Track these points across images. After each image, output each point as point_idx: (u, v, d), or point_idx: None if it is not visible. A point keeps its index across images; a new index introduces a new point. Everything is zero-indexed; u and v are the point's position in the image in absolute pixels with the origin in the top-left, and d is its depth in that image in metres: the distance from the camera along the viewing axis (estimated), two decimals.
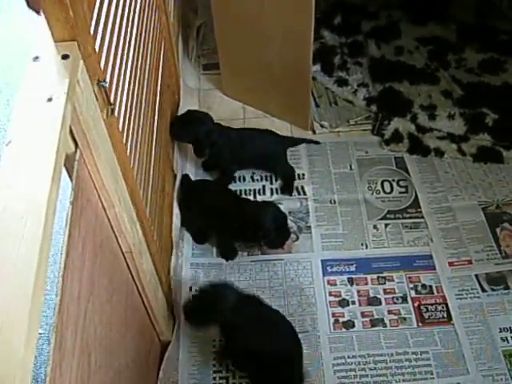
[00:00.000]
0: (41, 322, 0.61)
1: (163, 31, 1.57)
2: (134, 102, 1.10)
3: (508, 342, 1.47)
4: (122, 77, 0.99)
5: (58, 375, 0.61)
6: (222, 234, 1.57)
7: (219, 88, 1.99)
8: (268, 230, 1.48)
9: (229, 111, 1.93)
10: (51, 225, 0.62)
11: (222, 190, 1.66)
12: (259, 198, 1.70)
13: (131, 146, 1.04)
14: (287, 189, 1.74)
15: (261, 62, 1.77)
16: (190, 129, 1.63)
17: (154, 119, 1.37)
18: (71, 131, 0.74)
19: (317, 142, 1.84)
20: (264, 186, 1.74)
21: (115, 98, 0.93)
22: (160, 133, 1.41)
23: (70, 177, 0.77)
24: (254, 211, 1.50)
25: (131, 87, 1.05)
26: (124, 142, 0.98)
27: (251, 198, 1.71)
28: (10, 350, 0.48)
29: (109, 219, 0.91)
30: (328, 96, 2.02)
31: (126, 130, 1.00)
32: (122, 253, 1.01)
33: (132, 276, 1.08)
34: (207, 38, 2.13)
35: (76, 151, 0.78)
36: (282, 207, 1.64)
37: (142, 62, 1.20)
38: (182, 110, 1.79)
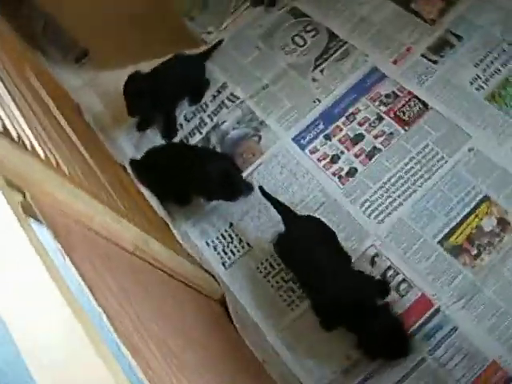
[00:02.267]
0: None
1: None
2: (38, 127, 1.05)
3: (483, 88, 1.51)
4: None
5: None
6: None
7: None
8: (218, 186, 1.42)
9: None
10: (57, 270, 0.61)
11: (169, 151, 1.62)
12: (204, 131, 1.67)
13: (64, 163, 1.00)
14: (196, 99, 1.71)
15: None
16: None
17: (67, 132, 1.32)
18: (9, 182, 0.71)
19: (219, 43, 1.79)
20: (201, 117, 1.70)
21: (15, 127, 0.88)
22: (81, 135, 1.36)
23: (39, 220, 0.75)
24: (200, 167, 1.44)
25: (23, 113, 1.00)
26: (56, 164, 0.94)
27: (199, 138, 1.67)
28: None
29: (96, 232, 0.89)
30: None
31: (50, 155, 0.96)
32: (134, 254, 0.99)
33: (155, 266, 1.08)
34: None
35: (25, 196, 0.75)
36: (228, 124, 1.63)
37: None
38: (86, 111, 1.73)
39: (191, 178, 1.44)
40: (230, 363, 1.05)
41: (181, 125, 1.69)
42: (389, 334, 1.23)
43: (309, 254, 1.30)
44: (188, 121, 1.69)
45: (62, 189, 0.87)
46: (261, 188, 1.45)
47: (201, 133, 1.66)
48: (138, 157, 1.61)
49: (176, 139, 1.67)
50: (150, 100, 1.59)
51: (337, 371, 1.29)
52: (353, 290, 1.26)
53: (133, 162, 1.61)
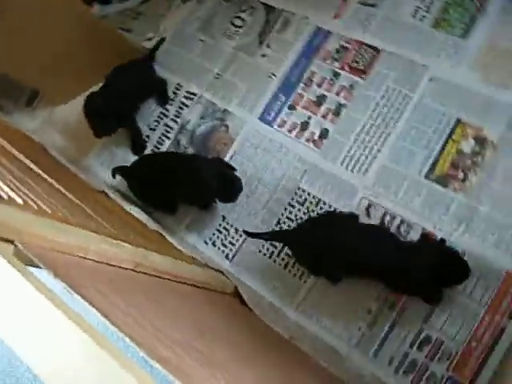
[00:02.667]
0: None
1: None
2: (8, 176, 1.05)
3: (426, 17, 1.53)
4: None
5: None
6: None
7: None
8: (213, 188, 1.41)
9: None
10: (67, 307, 0.62)
11: (152, 160, 1.59)
12: (172, 135, 1.67)
13: (44, 203, 1.00)
14: (163, 99, 1.71)
15: None
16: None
17: (39, 174, 1.32)
18: None
19: (161, 41, 1.78)
20: (165, 123, 1.70)
21: None
22: (54, 173, 1.36)
23: (37, 266, 0.75)
24: (192, 173, 1.41)
25: None
26: (36, 206, 0.94)
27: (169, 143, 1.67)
28: None
29: (95, 260, 0.89)
30: None
31: (28, 199, 0.96)
32: (135, 271, 1.00)
33: (159, 276, 1.08)
34: None
35: (16, 245, 0.75)
36: (193, 122, 1.63)
37: None
38: (51, 148, 1.72)
39: (184, 187, 1.43)
40: (259, 350, 1.06)
41: (148, 136, 1.69)
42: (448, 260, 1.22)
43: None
44: (153, 130, 1.69)
45: (50, 228, 0.87)
46: (245, 232, 1.43)
47: (169, 138, 1.66)
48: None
49: (146, 152, 1.67)
50: (111, 115, 1.58)
51: (362, 326, 1.31)
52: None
53: (121, 169, 1.59)
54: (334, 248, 1.27)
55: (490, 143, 1.35)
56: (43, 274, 0.74)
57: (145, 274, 1.04)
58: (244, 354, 0.93)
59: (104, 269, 0.91)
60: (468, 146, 1.36)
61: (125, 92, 1.62)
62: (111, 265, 0.94)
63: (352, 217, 1.36)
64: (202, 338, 0.91)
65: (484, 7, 1.48)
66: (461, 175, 1.34)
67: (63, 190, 1.25)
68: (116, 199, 1.56)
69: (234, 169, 1.48)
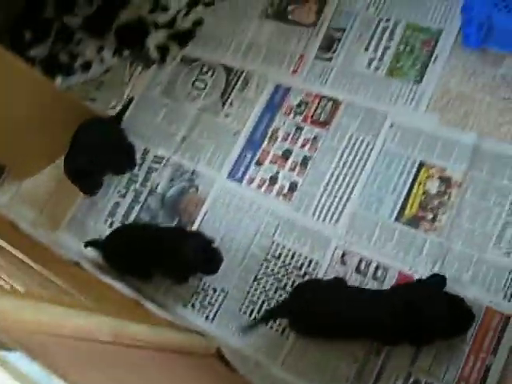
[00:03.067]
0: None
1: None
2: None
3: (381, 66, 1.59)
4: None
5: None
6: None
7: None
8: (195, 262, 1.42)
9: None
10: None
11: (131, 232, 1.59)
12: (142, 199, 1.67)
13: (17, 283, 0.98)
14: (132, 162, 1.73)
15: None
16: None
17: (11, 252, 1.30)
18: None
19: (130, 101, 1.81)
20: (135, 189, 1.70)
21: None
22: (25, 248, 1.34)
23: (12, 349, 0.73)
24: (174, 249, 1.41)
25: None
26: (10, 287, 0.93)
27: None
28: None
29: (72, 336, 0.87)
30: None
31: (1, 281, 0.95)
32: (114, 343, 0.98)
33: (139, 346, 1.06)
34: None
35: None
36: (162, 185, 1.64)
37: None
38: (21, 223, 1.70)
39: (167, 261, 1.43)
40: None
41: (117, 203, 1.69)
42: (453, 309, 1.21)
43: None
44: (123, 196, 1.69)
45: (24, 309, 0.85)
46: (242, 330, 1.40)
47: (139, 202, 1.66)
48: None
49: (117, 217, 1.67)
50: (94, 169, 1.62)
51: (350, 376, 1.29)
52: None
53: (96, 242, 1.58)
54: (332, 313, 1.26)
55: (454, 182, 1.38)
56: (16, 357, 0.72)
57: (125, 346, 1.01)
58: None
59: (84, 346, 0.89)
60: (434, 186, 1.39)
61: (97, 146, 1.63)
62: (90, 340, 0.92)
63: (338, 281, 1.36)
64: None
65: (434, 53, 1.54)
66: (430, 216, 1.37)
67: (37, 267, 1.23)
68: (90, 270, 1.53)
69: (212, 241, 1.46)
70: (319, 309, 1.27)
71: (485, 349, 1.23)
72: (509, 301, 1.25)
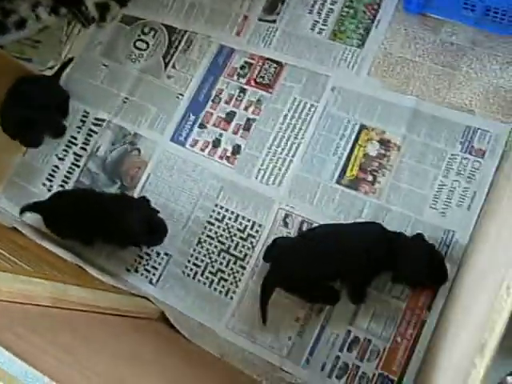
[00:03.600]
0: None
1: None
2: None
3: (324, 30, 1.58)
4: None
5: None
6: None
7: None
8: (139, 235, 1.39)
9: None
10: None
11: (73, 197, 1.53)
12: (82, 163, 1.63)
13: None
14: (64, 111, 1.69)
15: None
16: None
17: None
18: None
19: (69, 61, 1.76)
20: (74, 152, 1.65)
21: None
22: None
23: None
24: (117, 218, 1.38)
25: None
26: None
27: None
28: None
29: (10, 301, 0.85)
30: None
31: None
32: (54, 307, 0.96)
33: (81, 310, 1.05)
34: None
35: None
36: (103, 148, 1.61)
37: None
38: None
39: (108, 228, 1.40)
40: (189, 372, 1.05)
41: (56, 166, 1.64)
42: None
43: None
44: (62, 159, 1.65)
45: None
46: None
47: (78, 166, 1.63)
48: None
49: (56, 181, 1.62)
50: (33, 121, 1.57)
51: (292, 335, 1.32)
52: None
53: (36, 205, 1.53)
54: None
55: (393, 145, 1.41)
56: None
57: (66, 309, 1.00)
58: (173, 378, 0.92)
59: (21, 310, 0.87)
60: (374, 149, 1.42)
61: (39, 100, 1.59)
62: (29, 304, 0.90)
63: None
64: (132, 368, 0.89)
65: (376, 18, 1.55)
66: (370, 178, 1.40)
67: None
68: (29, 235, 1.49)
69: (157, 211, 1.44)
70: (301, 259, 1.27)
71: (420, 305, 1.28)
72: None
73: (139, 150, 1.60)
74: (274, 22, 1.63)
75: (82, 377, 0.72)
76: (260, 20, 1.65)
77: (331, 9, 1.59)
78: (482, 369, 0.70)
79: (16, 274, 0.95)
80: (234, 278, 1.40)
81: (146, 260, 1.48)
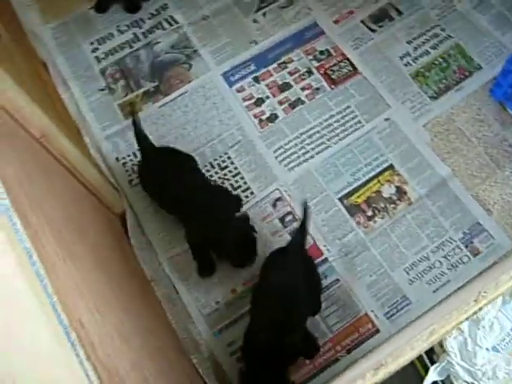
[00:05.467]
0: None
1: None
2: None
3: (411, 65, 1.58)
4: None
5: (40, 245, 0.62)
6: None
7: None
8: (230, 249, 1.29)
9: None
10: None
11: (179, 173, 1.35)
12: (136, 46, 1.62)
13: None
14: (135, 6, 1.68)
15: None
16: None
17: None
18: None
19: None
20: (135, 33, 1.65)
21: None
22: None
23: None
24: (217, 230, 1.26)
25: None
26: None
27: None
28: None
29: (5, 109, 0.86)
30: None
31: None
32: (38, 140, 0.97)
33: (59, 161, 1.06)
34: None
35: None
36: (161, 46, 1.61)
37: None
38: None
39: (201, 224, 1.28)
40: (118, 269, 1.06)
41: (112, 35, 1.64)
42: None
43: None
44: (121, 32, 1.65)
45: None
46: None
47: (131, 47, 1.63)
48: None
49: (103, 48, 1.63)
50: None
51: (220, 302, 1.33)
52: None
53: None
54: None
55: (407, 198, 1.42)
56: None
57: (47, 150, 1.01)
58: (102, 263, 0.93)
59: (9, 122, 0.87)
60: (388, 191, 1.43)
61: None
62: (19, 123, 0.91)
63: None
64: (72, 232, 0.90)
65: (461, 83, 1.55)
66: (369, 213, 1.40)
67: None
68: (54, 79, 1.51)
69: (255, 231, 1.34)
70: None
71: (343, 344, 1.29)
72: (387, 319, 1.31)
73: (190, 66, 1.60)
74: (373, 31, 1.63)
75: (31, 208, 0.73)
76: (362, 22, 1.64)
77: (428, 51, 1.59)
78: None
79: (23, 92, 0.94)
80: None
81: (138, 161, 1.47)
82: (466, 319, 0.65)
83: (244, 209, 1.41)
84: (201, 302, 1.34)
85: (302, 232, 1.24)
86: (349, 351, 1.29)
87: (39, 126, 0.94)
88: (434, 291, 1.33)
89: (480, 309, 0.67)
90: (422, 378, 1.05)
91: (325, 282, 1.34)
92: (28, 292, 0.51)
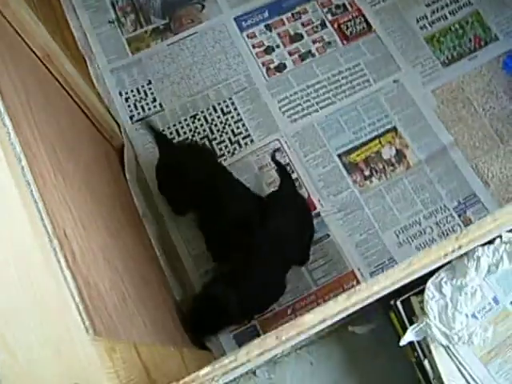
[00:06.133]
0: None
1: None
2: None
3: (427, 29, 1.55)
4: None
5: (30, 154, 0.61)
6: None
7: None
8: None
9: None
10: None
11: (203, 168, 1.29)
12: None
13: None
14: None
15: None
16: None
17: None
18: None
19: None
20: None
21: None
22: None
23: None
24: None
25: None
26: None
27: None
28: None
29: (8, 20, 0.84)
30: None
31: None
32: (40, 59, 0.96)
33: (60, 84, 1.04)
34: None
35: None
36: None
37: None
38: None
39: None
40: (109, 200, 1.06)
41: None
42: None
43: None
44: None
45: None
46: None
47: None
48: None
49: None
50: None
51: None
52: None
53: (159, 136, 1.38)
54: None
55: (406, 162, 1.41)
56: None
57: (48, 70, 0.99)
58: (93, 188, 0.93)
59: (12, 35, 0.86)
60: (388, 153, 1.42)
61: None
62: (22, 38, 0.89)
63: None
64: (67, 152, 0.89)
65: (475, 52, 1.52)
66: (367, 173, 1.40)
67: None
68: (64, 6, 1.49)
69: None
70: None
71: (326, 299, 1.31)
72: (371, 278, 1.32)
73: (203, 7, 1.57)
74: None
75: (28, 125, 0.72)
76: None
77: (445, 16, 1.56)
78: None
79: (27, 6, 0.92)
80: None
81: (141, 98, 1.47)
82: (445, 256, 0.65)
83: (241, 156, 1.41)
84: (190, 242, 1.35)
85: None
86: None
87: (43, 45, 0.93)
88: None
89: (460, 247, 0.67)
90: (399, 338, 1.06)
91: (315, 236, 1.35)
92: (13, 189, 0.50)
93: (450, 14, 1.56)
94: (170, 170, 1.29)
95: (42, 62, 0.96)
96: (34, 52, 0.93)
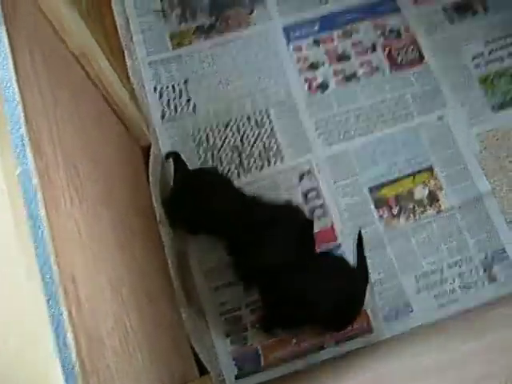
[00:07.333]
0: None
1: None
2: None
3: (481, 68, 1.47)
4: None
5: (47, 181, 0.57)
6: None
7: None
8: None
9: None
10: None
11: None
12: None
13: None
14: None
15: None
16: None
17: None
18: None
19: None
20: None
21: None
22: None
23: None
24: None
25: None
26: None
27: None
28: None
29: (48, 19, 0.80)
30: None
31: None
32: (75, 56, 0.91)
33: (93, 82, 1.00)
34: None
35: None
36: None
37: None
38: None
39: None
40: (126, 203, 1.02)
41: None
42: None
43: None
44: None
45: None
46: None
47: None
48: None
49: None
50: None
51: (222, 260, 1.29)
52: None
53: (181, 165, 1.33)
54: None
55: (437, 206, 1.35)
56: None
57: (82, 69, 0.95)
58: (115, 198, 0.89)
59: (50, 36, 0.81)
60: (420, 193, 1.36)
61: None
62: (59, 37, 0.85)
63: None
64: (89, 164, 0.85)
65: None
66: (395, 211, 1.34)
67: None
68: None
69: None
70: None
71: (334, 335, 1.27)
72: (384, 321, 1.28)
73: (251, 12, 1.51)
74: (451, 21, 1.50)
75: (49, 134, 0.68)
76: (443, 9, 1.52)
77: (503, 58, 1.47)
78: None
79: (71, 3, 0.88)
80: (228, 170, 1.37)
81: (176, 96, 1.43)
82: None
83: (269, 173, 1.36)
84: (203, 255, 1.31)
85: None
86: (337, 343, 1.26)
87: (79, 41, 0.88)
88: (439, 306, 1.29)
89: None
90: None
91: None
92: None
93: (508, 56, 1.48)
94: (191, 197, 1.22)
95: (75, 58, 0.91)
96: (67, 47, 0.88)
